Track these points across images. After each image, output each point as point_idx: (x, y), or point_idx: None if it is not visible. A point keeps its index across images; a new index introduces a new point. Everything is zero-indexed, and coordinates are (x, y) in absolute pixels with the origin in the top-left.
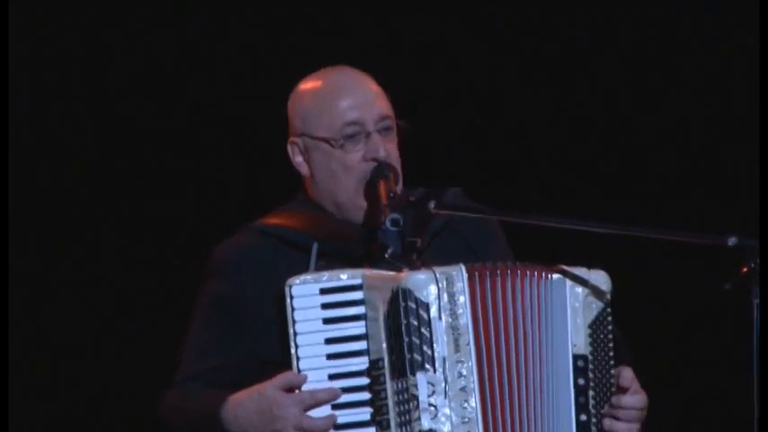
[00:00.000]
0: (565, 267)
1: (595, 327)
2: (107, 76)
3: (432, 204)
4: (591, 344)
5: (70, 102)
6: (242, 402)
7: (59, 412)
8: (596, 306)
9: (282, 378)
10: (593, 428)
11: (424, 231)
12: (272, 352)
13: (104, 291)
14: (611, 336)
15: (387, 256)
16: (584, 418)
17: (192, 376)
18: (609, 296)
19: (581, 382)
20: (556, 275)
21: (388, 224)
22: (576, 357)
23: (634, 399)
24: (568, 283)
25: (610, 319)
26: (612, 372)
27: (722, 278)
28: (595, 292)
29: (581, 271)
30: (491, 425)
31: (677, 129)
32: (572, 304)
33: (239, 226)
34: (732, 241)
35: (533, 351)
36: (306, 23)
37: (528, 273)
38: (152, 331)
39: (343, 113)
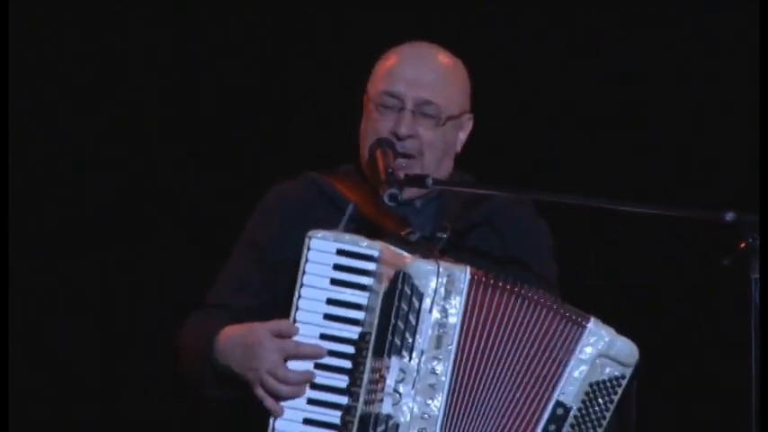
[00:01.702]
0: (595, 320)
1: (597, 389)
2: (107, 75)
3: (429, 181)
4: (583, 401)
5: (70, 101)
6: (232, 335)
7: (60, 412)
8: (609, 371)
9: (276, 323)
10: None
11: (459, 219)
12: (286, 295)
13: (104, 291)
14: (611, 406)
15: (412, 239)
16: None
17: (211, 304)
18: (628, 369)
19: (552, 428)
20: (580, 320)
21: (386, 199)
22: (558, 404)
23: None
24: (586, 336)
25: (619, 391)
26: None
27: (720, 254)
28: (616, 358)
29: (610, 330)
30: (448, 429)
31: (678, 107)
32: (578, 356)
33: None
34: (729, 216)
35: (512, 377)
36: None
37: (538, 300)
38: (152, 331)
39: (391, 81)
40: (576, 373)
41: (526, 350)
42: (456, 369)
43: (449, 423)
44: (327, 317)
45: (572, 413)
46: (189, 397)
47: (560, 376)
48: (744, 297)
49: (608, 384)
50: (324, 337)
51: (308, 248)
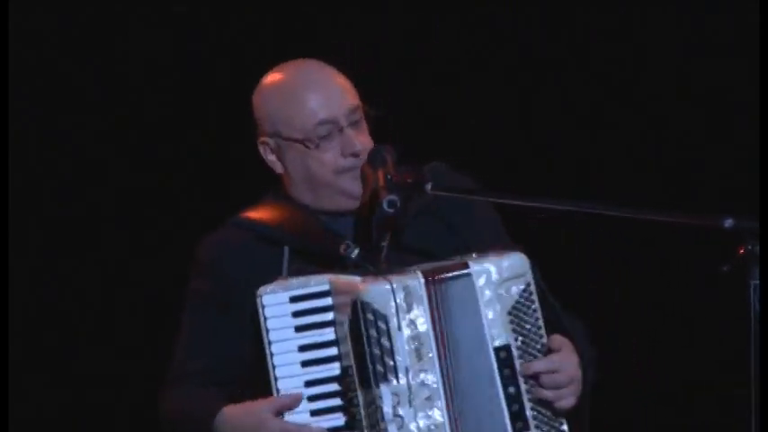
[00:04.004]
0: (469, 260)
1: (516, 311)
2: (107, 75)
3: (428, 186)
4: (514, 330)
5: (70, 100)
6: (235, 416)
7: (60, 412)
8: (514, 290)
9: (277, 402)
10: (529, 414)
11: (398, 219)
12: (253, 351)
13: (104, 290)
14: (537, 314)
15: (353, 256)
16: (515, 408)
17: (182, 376)
18: (528, 276)
19: (506, 372)
20: (462, 272)
21: (384, 206)
22: (496, 349)
23: (549, 362)
24: (475, 276)
25: (533, 297)
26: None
27: (720, 260)
28: (512, 276)
29: (491, 259)
30: (458, 426)
31: (675, 111)
32: (481, 299)
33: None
34: (729, 223)
35: (467, 352)
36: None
37: (449, 274)
38: (152, 331)
39: (314, 113)
40: (490, 315)
41: (464, 322)
42: (443, 372)
43: (455, 422)
44: (305, 363)
45: (513, 348)
46: None
47: (482, 325)
48: (743, 303)
49: (521, 301)
50: (309, 383)
51: (263, 306)
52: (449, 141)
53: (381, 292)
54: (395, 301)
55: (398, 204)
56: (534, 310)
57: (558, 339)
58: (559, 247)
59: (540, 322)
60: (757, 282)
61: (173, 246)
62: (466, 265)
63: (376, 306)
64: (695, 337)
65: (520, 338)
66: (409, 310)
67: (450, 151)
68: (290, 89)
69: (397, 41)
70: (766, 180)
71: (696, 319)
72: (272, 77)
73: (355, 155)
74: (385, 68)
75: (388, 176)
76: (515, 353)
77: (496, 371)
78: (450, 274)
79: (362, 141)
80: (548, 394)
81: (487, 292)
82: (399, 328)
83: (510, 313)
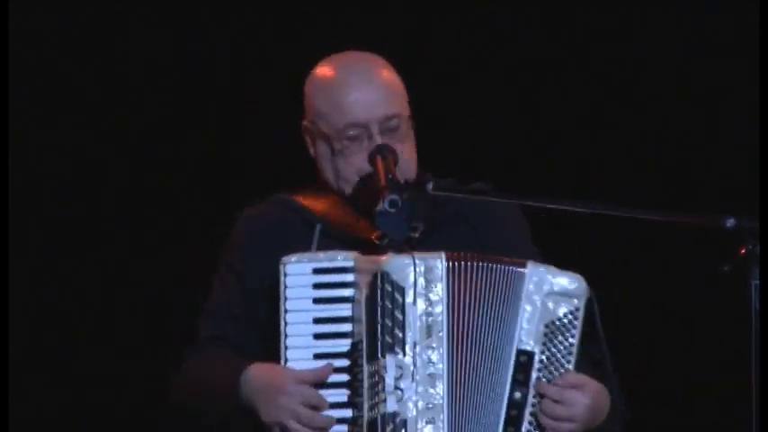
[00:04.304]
0: (533, 263)
1: (554, 328)
2: (107, 75)
3: (430, 186)
4: (544, 343)
5: (70, 100)
6: (262, 374)
7: (60, 412)
8: (560, 308)
9: (302, 373)
10: (524, 426)
11: (430, 218)
12: (268, 320)
13: (104, 290)
14: (572, 341)
15: (383, 243)
16: (514, 413)
17: (205, 339)
18: (579, 302)
19: (519, 377)
20: (518, 269)
21: (386, 206)
22: (519, 352)
23: (559, 391)
24: (528, 278)
25: (576, 323)
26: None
27: (720, 260)
28: (564, 294)
29: (552, 269)
30: (455, 411)
31: (675, 111)
32: (525, 300)
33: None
34: (730, 222)
35: (493, 345)
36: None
37: (498, 265)
38: (152, 331)
39: (346, 114)
40: (527, 318)
41: (493, 312)
42: (451, 354)
43: (454, 407)
44: (318, 336)
45: (536, 358)
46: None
47: (515, 326)
48: (744, 303)
49: (564, 321)
50: (318, 356)
51: (285, 275)
52: (449, 141)
53: (402, 265)
54: (414, 275)
55: (399, 204)
56: (572, 336)
57: (581, 377)
58: (559, 246)
59: (573, 350)
60: (757, 282)
61: (173, 246)
62: (524, 264)
63: (395, 277)
64: (695, 336)
65: (546, 354)
66: (428, 286)
67: (451, 151)
68: (331, 85)
69: (397, 41)
70: (766, 180)
71: (696, 319)
72: (322, 67)
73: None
74: None
75: (390, 176)
76: (536, 364)
77: (511, 371)
78: (483, 263)
79: (397, 150)
80: (544, 419)
81: (535, 297)
82: (414, 302)
83: (547, 326)
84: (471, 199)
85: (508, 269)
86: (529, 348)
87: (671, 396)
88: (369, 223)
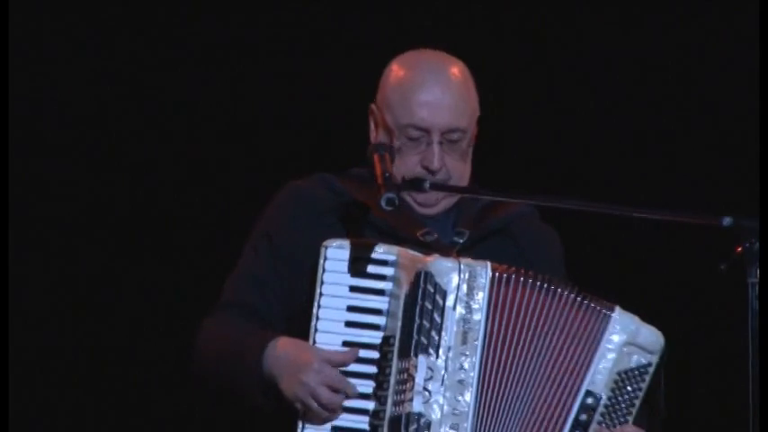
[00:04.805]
0: (619, 309)
1: (625, 377)
2: (107, 75)
3: (427, 185)
4: (612, 390)
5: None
6: (288, 348)
7: (60, 412)
8: (636, 359)
9: (327, 352)
10: None
11: (477, 227)
12: (300, 303)
13: (104, 290)
14: (639, 393)
15: (429, 241)
16: None
17: (232, 304)
18: (654, 357)
19: (582, 417)
20: (604, 311)
21: (383, 203)
22: (587, 393)
23: None
24: (612, 324)
25: (646, 377)
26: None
27: (719, 259)
28: (642, 346)
29: (636, 319)
30: (480, 423)
31: (676, 111)
32: (605, 345)
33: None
34: (727, 221)
35: (540, 369)
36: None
37: (561, 293)
38: (152, 331)
39: (412, 114)
40: (603, 362)
41: (552, 342)
42: (483, 364)
43: (480, 418)
44: (349, 324)
45: (602, 402)
46: (191, 398)
47: (589, 366)
48: (742, 302)
49: (636, 372)
50: (346, 344)
51: (325, 258)
52: None
53: (447, 269)
54: (458, 280)
55: (396, 202)
56: (639, 389)
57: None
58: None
59: (636, 402)
60: (756, 280)
61: (173, 246)
62: (613, 308)
63: (438, 279)
64: (695, 336)
65: (612, 401)
66: (469, 293)
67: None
68: (407, 80)
69: (398, 41)
70: (766, 180)
71: (695, 318)
72: (406, 59)
73: (430, 170)
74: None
75: (387, 174)
76: (600, 408)
77: (575, 410)
78: (541, 284)
79: (449, 163)
80: None
81: (615, 338)
82: (454, 307)
83: (619, 374)
84: (517, 215)
85: (595, 308)
86: (597, 391)
87: (670, 396)
88: (411, 219)
